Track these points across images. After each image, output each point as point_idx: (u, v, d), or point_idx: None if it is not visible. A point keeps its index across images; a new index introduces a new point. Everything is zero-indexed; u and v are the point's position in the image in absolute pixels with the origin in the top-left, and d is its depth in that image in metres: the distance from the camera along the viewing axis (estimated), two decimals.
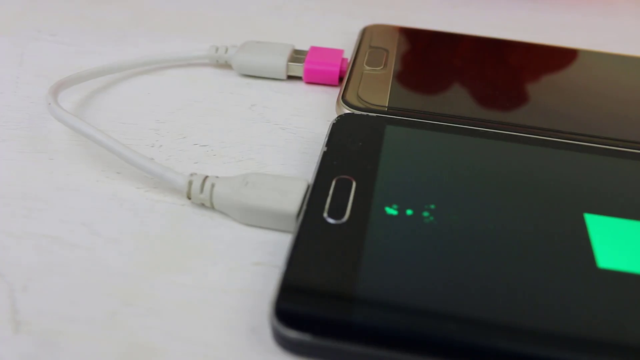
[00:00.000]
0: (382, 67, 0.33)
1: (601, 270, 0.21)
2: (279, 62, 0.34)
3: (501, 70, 0.34)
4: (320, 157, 0.25)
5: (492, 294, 0.20)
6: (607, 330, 0.19)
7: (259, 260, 0.23)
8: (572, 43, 0.39)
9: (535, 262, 0.21)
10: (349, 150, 0.25)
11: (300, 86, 0.34)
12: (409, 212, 0.23)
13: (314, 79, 0.34)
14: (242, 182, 0.24)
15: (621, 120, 0.30)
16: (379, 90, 0.31)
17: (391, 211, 0.22)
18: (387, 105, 0.29)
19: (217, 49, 0.35)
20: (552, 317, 0.20)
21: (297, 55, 0.34)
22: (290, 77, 0.34)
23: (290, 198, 0.23)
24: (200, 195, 0.24)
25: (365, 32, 0.37)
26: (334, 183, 0.24)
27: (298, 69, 0.34)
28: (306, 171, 0.27)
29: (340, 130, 0.27)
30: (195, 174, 0.25)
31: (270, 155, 0.28)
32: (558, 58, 0.36)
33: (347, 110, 0.29)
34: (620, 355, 0.19)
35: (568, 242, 0.22)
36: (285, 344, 0.19)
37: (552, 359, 0.19)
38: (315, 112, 0.31)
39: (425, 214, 0.23)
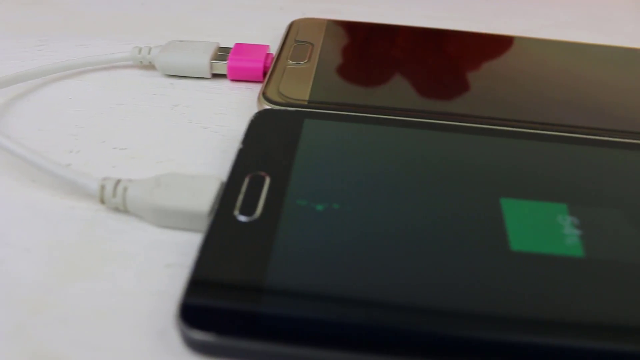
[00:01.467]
0: (306, 61, 0.33)
1: (514, 252, 0.21)
2: (202, 61, 0.33)
3: (426, 59, 0.35)
4: (236, 154, 0.25)
5: (407, 281, 0.20)
6: (519, 310, 0.20)
7: (172, 262, 0.22)
8: (499, 30, 0.39)
9: (451, 247, 0.21)
10: (265, 146, 0.25)
11: (225, 84, 0.34)
12: (322, 205, 0.23)
13: (238, 76, 0.33)
14: (154, 184, 0.24)
15: (543, 103, 0.30)
16: (300, 85, 0.31)
17: (304, 205, 0.22)
18: (307, 99, 0.29)
19: (140, 50, 0.34)
20: (465, 300, 0.20)
21: (221, 53, 0.34)
22: (216, 76, 0.34)
23: (202, 197, 0.23)
24: (114, 199, 0.24)
25: (292, 27, 0.37)
26: (247, 180, 0.23)
27: (222, 67, 0.34)
28: (226, 170, 0.26)
29: (258, 127, 0.27)
30: (108, 178, 0.24)
31: (191, 155, 0.28)
32: (484, 45, 0.36)
33: (267, 106, 0.29)
34: (532, 334, 0.19)
35: (483, 227, 0.22)
36: (193, 345, 0.19)
37: (467, 341, 0.19)
38: (238, 109, 0.31)
39: (337, 206, 0.23)
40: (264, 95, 0.29)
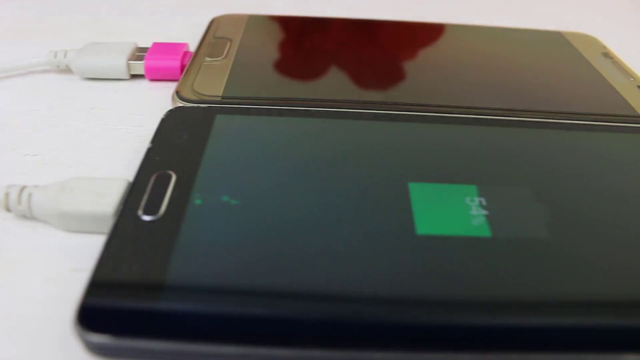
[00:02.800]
0: (222, 57, 0.33)
1: (419, 236, 0.21)
2: (119, 62, 0.33)
3: (343, 50, 0.35)
4: (145, 154, 0.24)
5: (312, 272, 0.20)
6: (425, 293, 0.20)
7: (79, 267, 0.22)
8: (424, 18, 0.40)
9: (357, 236, 0.21)
10: (174, 145, 0.25)
11: (144, 84, 0.33)
12: (227, 200, 0.23)
13: (156, 76, 0.33)
14: (60, 189, 0.23)
15: (453, 87, 0.31)
16: (215, 81, 0.30)
17: (209, 201, 0.22)
18: (221, 95, 0.29)
19: (55, 54, 0.33)
20: (371, 287, 0.20)
21: (139, 53, 0.34)
22: (135, 76, 0.34)
23: (107, 199, 0.23)
24: (19, 206, 0.23)
25: (212, 24, 0.37)
26: (153, 179, 0.23)
27: (140, 67, 0.33)
28: None
29: (168, 125, 0.26)
30: (13, 185, 0.24)
31: (104, 158, 0.27)
32: (398, 33, 0.36)
33: (180, 104, 0.28)
34: (437, 315, 0.19)
35: (390, 213, 0.22)
36: (92, 349, 0.18)
37: (376, 327, 0.19)
38: (156, 109, 0.31)
39: (243, 200, 0.23)
40: (178, 93, 0.29)
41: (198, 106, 0.27)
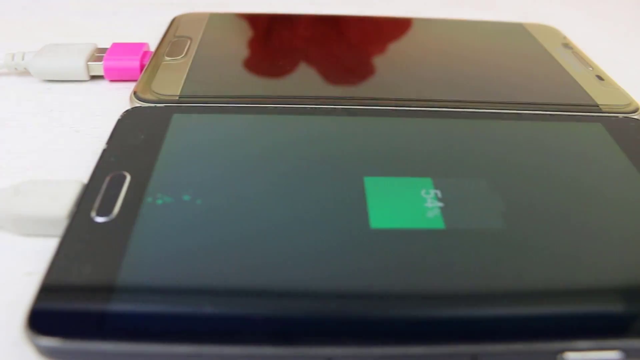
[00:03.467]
0: (182, 55, 0.32)
1: (373, 230, 0.21)
2: (77, 63, 0.33)
3: (303, 46, 0.34)
4: (100, 155, 0.24)
5: (266, 269, 0.20)
6: (378, 287, 0.20)
7: (32, 270, 0.22)
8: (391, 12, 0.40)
9: (313, 232, 0.21)
10: (130, 145, 0.25)
11: (104, 85, 0.33)
12: (182, 199, 0.23)
13: (116, 77, 0.33)
14: (13, 192, 0.23)
15: (408, 80, 0.31)
16: (174, 80, 0.30)
17: (163, 201, 0.22)
18: (179, 94, 0.29)
19: (13, 56, 0.33)
20: (323, 280, 0.20)
21: (98, 54, 0.33)
22: (95, 77, 0.33)
23: (61, 202, 0.22)
24: None
25: (173, 22, 0.37)
26: (107, 180, 0.23)
27: (99, 68, 0.33)
28: None
29: (124, 126, 0.26)
30: None
31: (62, 160, 0.27)
32: (357, 29, 0.37)
33: (138, 105, 0.28)
34: (390, 308, 0.19)
35: (345, 208, 0.22)
36: (43, 352, 0.18)
37: (327, 321, 0.19)
38: (115, 110, 0.30)
39: (199, 199, 0.23)
40: (135, 93, 0.29)
41: (155, 106, 0.27)
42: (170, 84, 0.30)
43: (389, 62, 0.34)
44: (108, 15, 0.41)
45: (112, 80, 0.33)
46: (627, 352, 0.18)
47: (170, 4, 0.42)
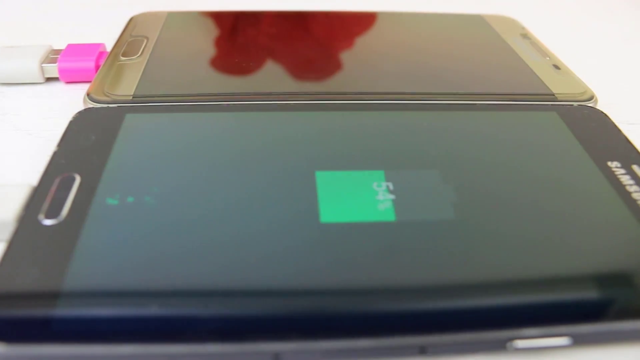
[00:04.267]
0: (137, 55, 0.32)
1: (323, 224, 0.21)
2: (31, 65, 0.32)
3: (260, 42, 0.34)
4: (50, 157, 0.24)
5: (216, 267, 0.20)
6: (329, 281, 0.20)
7: None
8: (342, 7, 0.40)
9: (263, 228, 0.21)
10: (81, 147, 0.25)
11: (59, 87, 0.33)
12: (132, 199, 0.22)
13: (72, 78, 0.32)
14: None
15: (361, 74, 0.31)
16: (128, 80, 0.30)
17: (113, 201, 0.22)
18: (132, 94, 0.29)
19: None
20: (272, 276, 0.20)
21: (53, 56, 0.33)
22: (50, 79, 0.33)
23: (8, 205, 0.22)
24: None
25: (130, 22, 0.37)
26: (57, 182, 0.23)
27: (54, 70, 0.32)
28: None
29: (76, 128, 0.26)
30: None
31: (12, 164, 0.27)
32: (311, 24, 0.36)
33: (91, 106, 0.28)
34: (341, 302, 0.19)
35: (296, 203, 0.22)
36: None
37: (273, 316, 0.19)
38: (70, 112, 0.30)
39: (149, 198, 0.22)
40: (89, 95, 0.29)
41: (107, 106, 0.27)
42: (125, 84, 0.29)
43: (345, 56, 0.34)
44: (65, 15, 0.41)
45: (67, 82, 0.33)
46: (574, 337, 0.19)
47: (130, 3, 0.42)
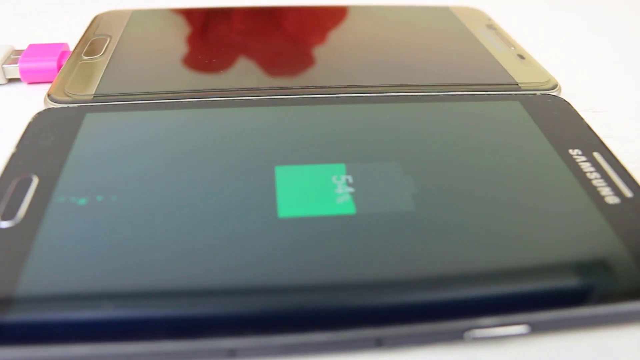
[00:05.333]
0: (100, 54, 0.32)
1: (281, 219, 0.21)
2: None
3: (222, 39, 0.34)
4: (7, 159, 0.24)
5: (176, 262, 0.20)
6: (281, 274, 0.20)
7: None
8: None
9: (221, 223, 0.21)
10: (40, 148, 0.24)
11: (22, 88, 0.32)
12: (90, 200, 0.22)
13: (34, 79, 0.32)
14: None
15: (335, 67, 0.31)
16: (90, 80, 0.30)
17: (71, 202, 0.22)
18: (93, 93, 0.28)
19: None
20: (227, 272, 0.20)
21: (14, 56, 0.33)
22: (12, 80, 0.32)
23: None
24: None
25: (94, 21, 0.36)
26: (14, 184, 0.22)
27: (15, 71, 0.32)
28: None
29: (35, 129, 0.26)
30: None
31: None
32: (270, 19, 0.36)
33: (52, 106, 0.28)
34: (295, 297, 0.19)
35: (255, 198, 0.22)
36: None
37: (227, 312, 0.19)
38: (32, 113, 0.30)
39: (108, 198, 0.22)
40: (49, 95, 0.28)
41: (67, 107, 0.27)
42: (86, 83, 0.29)
43: (310, 51, 0.33)
44: (28, 15, 0.40)
45: (30, 83, 0.32)
46: (532, 325, 0.19)
47: (96, 2, 0.41)
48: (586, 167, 0.24)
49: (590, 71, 0.36)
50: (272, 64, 0.32)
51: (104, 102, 0.28)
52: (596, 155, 0.25)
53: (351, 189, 0.22)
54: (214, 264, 0.19)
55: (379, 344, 0.18)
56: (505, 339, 0.19)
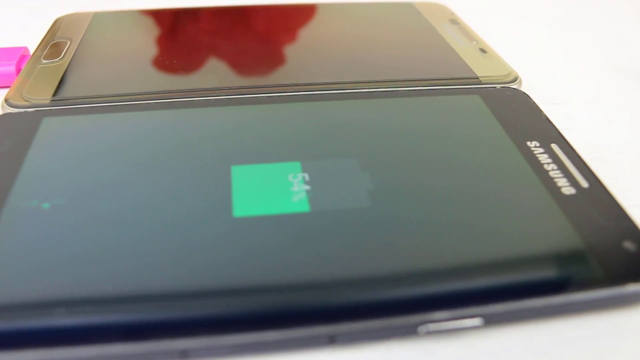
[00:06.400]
0: (60, 58, 0.32)
1: (236, 219, 0.21)
2: None
3: (178, 39, 0.34)
4: None
5: (127, 264, 0.20)
6: (232, 274, 0.20)
7: None
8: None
9: (175, 225, 0.21)
10: None
11: None
12: (46, 204, 0.22)
13: None
14: None
15: (295, 66, 0.32)
16: (48, 83, 0.29)
17: (28, 207, 0.22)
18: (51, 97, 0.28)
19: None
20: (185, 272, 0.20)
21: None
22: None
23: None
24: None
25: (54, 24, 0.36)
26: None
27: None
28: None
29: None
30: None
31: None
32: (231, 19, 0.36)
33: (9, 111, 0.27)
34: (246, 296, 0.19)
35: (211, 199, 0.22)
36: None
37: (178, 313, 0.19)
38: None
39: (64, 201, 0.22)
40: (7, 100, 0.28)
41: (25, 111, 0.27)
42: (44, 87, 0.29)
43: (271, 49, 0.34)
44: None
45: None
46: (486, 318, 0.19)
47: (57, 5, 0.41)
48: (543, 158, 0.24)
49: (553, 64, 0.36)
50: (231, 64, 0.32)
51: (61, 105, 0.27)
52: (554, 146, 0.25)
53: (307, 187, 0.22)
54: (167, 265, 0.19)
55: (332, 341, 0.18)
56: (459, 332, 0.19)
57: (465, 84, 0.30)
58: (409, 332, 0.19)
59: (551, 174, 0.23)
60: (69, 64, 0.31)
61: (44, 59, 0.31)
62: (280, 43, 0.34)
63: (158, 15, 0.37)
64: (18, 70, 0.31)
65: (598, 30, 0.41)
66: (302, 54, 0.33)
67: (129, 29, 0.36)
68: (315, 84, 0.29)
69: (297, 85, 0.29)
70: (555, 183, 0.23)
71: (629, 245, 0.20)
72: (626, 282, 0.19)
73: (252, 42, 0.35)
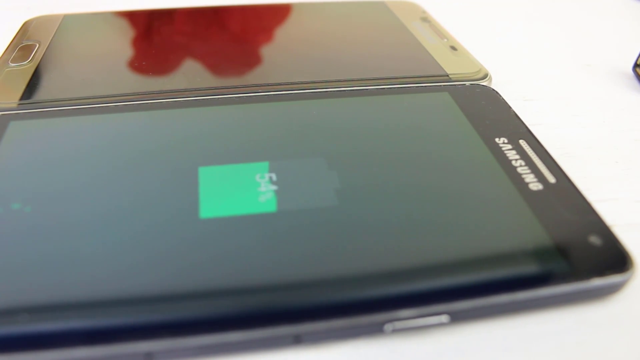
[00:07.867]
0: (27, 61, 0.31)
1: (202, 220, 0.21)
2: None
3: (146, 39, 0.34)
4: None
5: (92, 267, 0.20)
6: (196, 275, 0.20)
7: None
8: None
9: (142, 227, 0.21)
10: None
11: None
12: (15, 206, 0.22)
13: None
14: None
15: (265, 66, 0.32)
16: (15, 87, 0.29)
17: None
18: (18, 101, 0.28)
19: None
20: (149, 274, 0.20)
21: None
22: None
23: None
24: None
25: (23, 27, 0.36)
26: None
27: None
28: None
29: None
30: None
31: None
32: (198, 21, 0.36)
33: None
34: (210, 297, 0.19)
35: (177, 200, 0.22)
36: None
37: (142, 315, 0.19)
38: None
39: (28, 207, 0.22)
40: None
41: None
42: (11, 91, 0.29)
43: (240, 49, 0.33)
44: None
45: None
46: (452, 315, 0.19)
47: (28, 7, 0.40)
48: (511, 155, 0.24)
49: (524, 60, 0.36)
50: (201, 65, 0.31)
51: (28, 109, 0.27)
52: (522, 143, 0.25)
53: (275, 187, 0.22)
54: (132, 268, 0.19)
55: (297, 340, 0.18)
56: (426, 329, 0.19)
57: (435, 82, 0.30)
58: (376, 330, 0.19)
59: (519, 170, 0.24)
60: (37, 67, 0.31)
61: (12, 62, 0.31)
62: (251, 43, 0.34)
63: (129, 17, 0.37)
64: None
65: (568, 26, 0.41)
66: (273, 54, 0.33)
67: (99, 31, 0.36)
68: (285, 84, 0.29)
69: (266, 85, 0.29)
70: (522, 179, 0.23)
71: (594, 239, 0.20)
72: (591, 277, 0.19)
73: (223, 43, 0.34)
